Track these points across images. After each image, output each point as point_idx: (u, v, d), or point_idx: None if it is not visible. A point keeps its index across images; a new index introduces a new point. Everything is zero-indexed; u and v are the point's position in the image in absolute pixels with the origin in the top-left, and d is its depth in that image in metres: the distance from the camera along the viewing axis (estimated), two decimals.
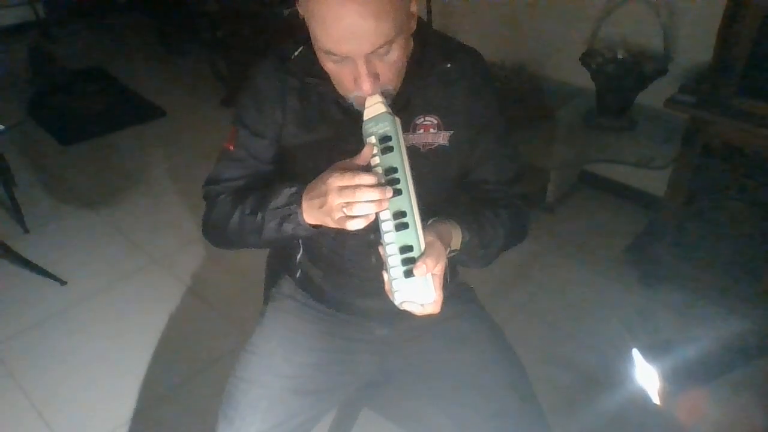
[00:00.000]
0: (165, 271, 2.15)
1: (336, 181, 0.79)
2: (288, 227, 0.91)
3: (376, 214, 0.79)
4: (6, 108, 3.18)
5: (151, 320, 1.94)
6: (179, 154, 2.85)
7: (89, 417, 1.65)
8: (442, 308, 0.82)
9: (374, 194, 0.77)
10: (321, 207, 0.83)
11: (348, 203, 0.78)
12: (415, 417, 1.57)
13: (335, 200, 0.79)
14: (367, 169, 0.81)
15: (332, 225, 0.84)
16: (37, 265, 2.11)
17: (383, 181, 0.79)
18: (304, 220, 0.89)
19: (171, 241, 2.28)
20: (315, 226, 0.90)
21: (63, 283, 2.08)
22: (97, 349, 1.86)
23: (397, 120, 0.81)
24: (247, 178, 1.02)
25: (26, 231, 2.31)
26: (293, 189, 0.90)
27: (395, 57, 0.82)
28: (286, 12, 2.66)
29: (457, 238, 0.91)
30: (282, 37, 1.05)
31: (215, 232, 1.04)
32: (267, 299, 1.20)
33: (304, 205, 0.88)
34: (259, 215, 0.94)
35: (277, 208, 0.91)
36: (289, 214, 0.90)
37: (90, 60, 3.70)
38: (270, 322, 1.12)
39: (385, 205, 0.78)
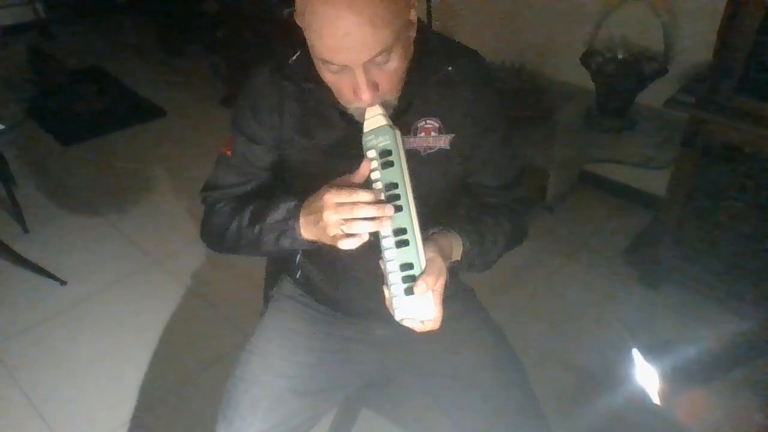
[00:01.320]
0: (165, 271, 2.15)
1: (332, 196, 0.79)
2: (285, 242, 0.91)
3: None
4: (6, 108, 3.18)
5: (151, 320, 1.94)
6: (179, 154, 2.84)
7: (89, 417, 1.65)
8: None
9: (372, 211, 0.77)
10: (317, 223, 0.83)
11: (346, 220, 0.78)
12: (415, 417, 1.58)
13: (331, 217, 0.79)
14: (366, 184, 0.81)
15: (327, 242, 0.84)
16: (37, 265, 2.11)
17: (383, 197, 0.78)
18: (301, 235, 0.89)
19: (171, 241, 2.28)
20: (312, 241, 0.89)
21: (63, 283, 2.08)
22: (97, 349, 1.86)
23: (398, 133, 0.80)
24: (245, 184, 1.02)
25: (26, 231, 2.31)
26: (291, 204, 0.90)
27: (394, 66, 0.81)
28: (285, 12, 2.65)
29: (457, 249, 0.92)
30: (282, 37, 1.05)
31: (213, 239, 1.04)
32: (267, 299, 1.20)
33: (302, 220, 0.88)
34: (257, 228, 0.94)
35: (275, 222, 0.91)
36: (287, 229, 0.90)
37: (90, 60, 3.70)
38: (270, 322, 1.12)
39: (386, 222, 0.78)
